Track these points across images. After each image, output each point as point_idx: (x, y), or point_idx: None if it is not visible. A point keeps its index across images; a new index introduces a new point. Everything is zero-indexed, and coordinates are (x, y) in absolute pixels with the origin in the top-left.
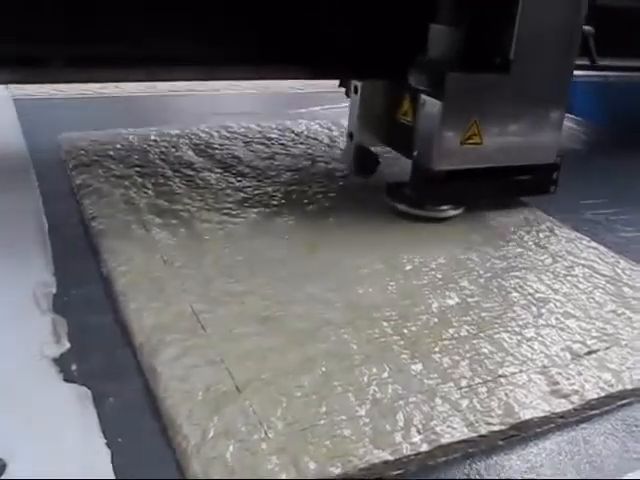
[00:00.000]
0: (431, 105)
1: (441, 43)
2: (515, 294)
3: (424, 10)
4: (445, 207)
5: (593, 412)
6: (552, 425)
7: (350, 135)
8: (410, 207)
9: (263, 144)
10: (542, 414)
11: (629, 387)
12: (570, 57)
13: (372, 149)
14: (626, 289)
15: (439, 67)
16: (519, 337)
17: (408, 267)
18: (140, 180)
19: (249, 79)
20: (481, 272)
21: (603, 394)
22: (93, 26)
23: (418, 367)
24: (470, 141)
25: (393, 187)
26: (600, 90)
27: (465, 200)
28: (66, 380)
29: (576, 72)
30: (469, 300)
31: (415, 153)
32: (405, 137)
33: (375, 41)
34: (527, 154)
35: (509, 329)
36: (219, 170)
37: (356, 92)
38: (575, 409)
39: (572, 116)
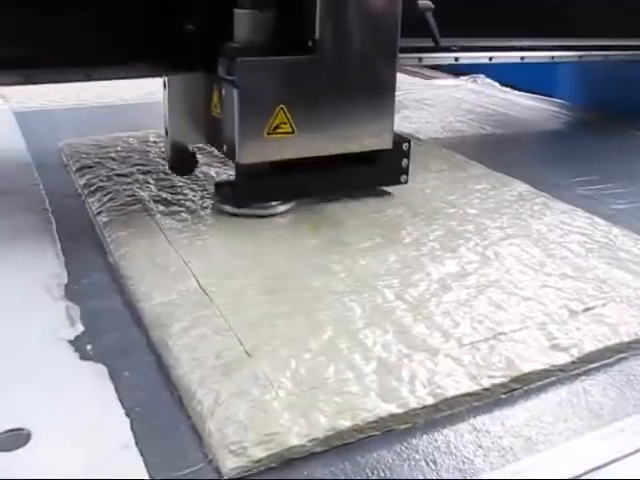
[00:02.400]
0: (229, 94)
1: (247, 28)
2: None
3: None
4: (274, 203)
5: (592, 365)
6: (553, 378)
7: (166, 131)
8: (235, 207)
9: None
10: (542, 367)
11: (626, 340)
12: (391, 38)
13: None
14: (621, 253)
15: (236, 53)
16: (517, 298)
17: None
18: (142, 177)
19: None
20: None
21: (601, 346)
22: None
23: (421, 328)
24: (279, 130)
25: (221, 186)
26: (581, 71)
27: (297, 195)
28: (82, 359)
29: (555, 54)
30: (467, 267)
31: (224, 148)
32: (218, 131)
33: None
34: (349, 142)
35: (507, 291)
36: (218, 164)
37: (165, 87)
38: (574, 362)
39: (556, 99)
